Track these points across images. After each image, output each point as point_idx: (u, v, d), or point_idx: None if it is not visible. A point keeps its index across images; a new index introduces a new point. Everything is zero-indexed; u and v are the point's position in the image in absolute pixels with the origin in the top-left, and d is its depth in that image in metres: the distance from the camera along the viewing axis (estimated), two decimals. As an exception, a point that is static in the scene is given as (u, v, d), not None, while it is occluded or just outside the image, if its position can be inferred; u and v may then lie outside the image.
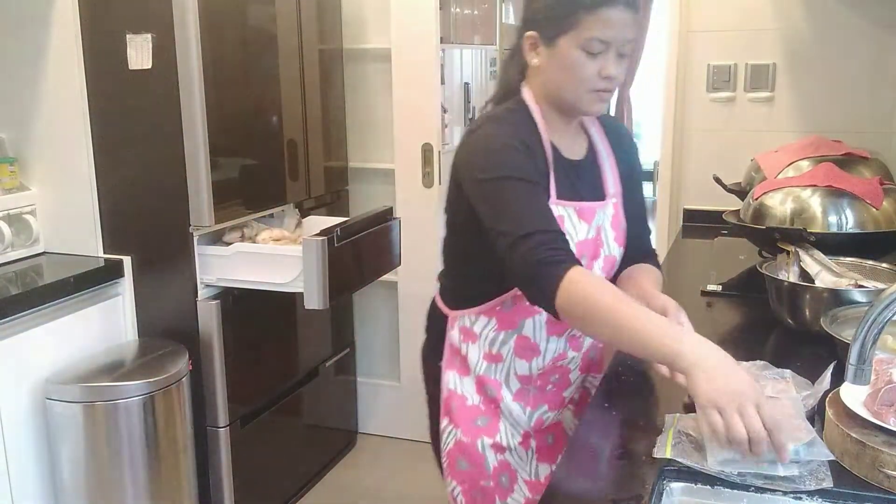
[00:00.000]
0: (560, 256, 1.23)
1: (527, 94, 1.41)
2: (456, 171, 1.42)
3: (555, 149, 1.40)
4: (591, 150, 1.47)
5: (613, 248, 1.46)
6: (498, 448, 1.50)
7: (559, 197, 1.38)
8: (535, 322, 1.44)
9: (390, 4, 2.90)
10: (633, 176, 1.52)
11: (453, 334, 1.51)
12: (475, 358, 1.49)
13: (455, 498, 1.54)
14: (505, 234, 1.26)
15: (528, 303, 1.35)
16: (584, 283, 1.20)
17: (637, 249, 1.52)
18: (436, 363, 1.55)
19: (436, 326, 1.57)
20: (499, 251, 1.27)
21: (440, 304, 1.56)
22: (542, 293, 1.23)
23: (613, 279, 1.49)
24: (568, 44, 1.30)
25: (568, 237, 1.30)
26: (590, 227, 1.41)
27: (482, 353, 1.48)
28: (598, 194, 1.45)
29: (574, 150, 1.45)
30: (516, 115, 1.40)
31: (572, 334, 1.46)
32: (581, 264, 1.24)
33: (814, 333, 1.52)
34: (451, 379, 1.52)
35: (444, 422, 1.53)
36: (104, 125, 2.31)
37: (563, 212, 1.38)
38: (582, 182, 1.43)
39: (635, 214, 1.52)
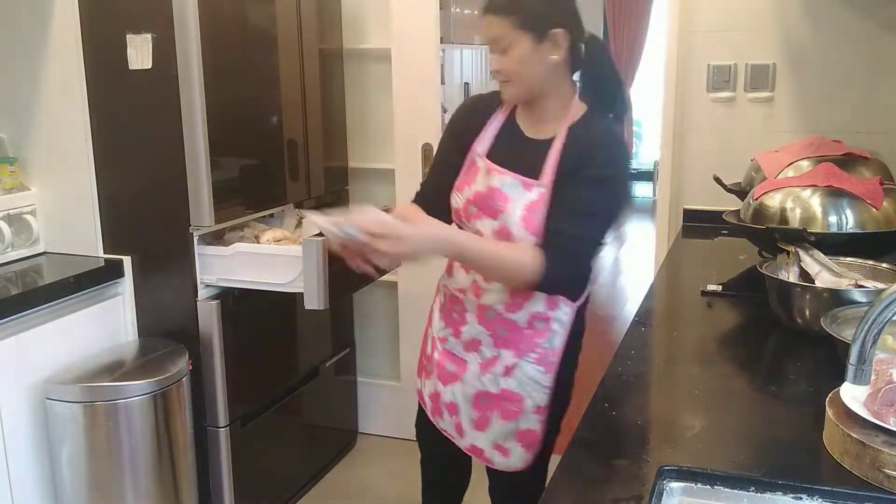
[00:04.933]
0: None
1: None
2: None
3: (514, 121, 1.72)
4: (552, 139, 1.63)
5: (514, 224, 1.61)
6: (431, 339, 1.90)
7: (486, 154, 1.70)
8: None
9: (390, 4, 2.89)
10: (575, 173, 1.57)
11: None
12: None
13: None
14: None
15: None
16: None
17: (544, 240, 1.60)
18: None
19: None
20: None
21: None
22: None
23: None
24: None
25: (475, 183, 1.68)
26: (487, 184, 1.66)
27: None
28: (532, 173, 1.62)
29: (535, 131, 1.68)
30: (496, 91, 1.73)
31: (475, 280, 1.71)
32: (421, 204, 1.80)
33: (814, 333, 1.52)
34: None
35: None
36: (104, 125, 2.31)
37: (481, 164, 1.69)
38: (524, 154, 1.65)
39: (559, 208, 1.59)
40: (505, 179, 1.63)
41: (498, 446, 1.77)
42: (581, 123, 1.61)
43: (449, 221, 1.74)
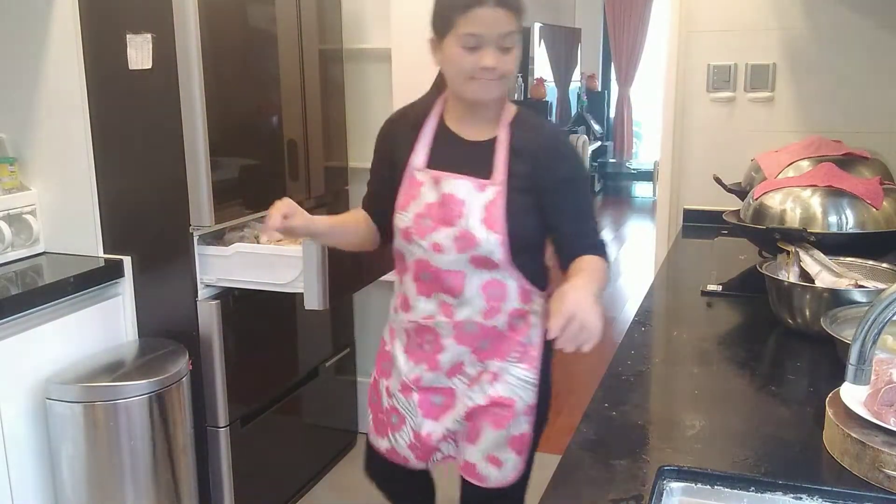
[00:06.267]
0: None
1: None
2: None
3: (446, 127, 1.67)
4: (495, 139, 1.62)
5: (475, 227, 1.57)
6: (388, 392, 1.80)
7: (427, 165, 1.64)
8: (406, 280, 1.70)
9: (390, 4, 2.89)
10: (556, 183, 1.61)
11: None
12: (391, 308, 1.80)
13: (368, 424, 1.90)
14: None
15: (401, 261, 1.71)
16: None
17: (576, 246, 1.63)
18: None
19: None
20: None
21: None
22: None
23: (534, 263, 1.67)
24: (450, 42, 1.55)
25: (422, 196, 1.62)
26: (440, 193, 1.61)
27: (391, 304, 1.80)
28: (483, 174, 1.60)
29: (474, 133, 1.64)
30: (418, 100, 1.77)
31: (443, 301, 1.65)
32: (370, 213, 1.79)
33: (814, 333, 1.52)
34: (386, 325, 1.85)
35: None
36: (104, 125, 2.31)
37: (423, 177, 1.63)
38: (469, 157, 1.62)
39: (566, 215, 1.64)
40: (458, 184, 1.59)
41: (491, 457, 1.69)
42: (518, 122, 1.62)
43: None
